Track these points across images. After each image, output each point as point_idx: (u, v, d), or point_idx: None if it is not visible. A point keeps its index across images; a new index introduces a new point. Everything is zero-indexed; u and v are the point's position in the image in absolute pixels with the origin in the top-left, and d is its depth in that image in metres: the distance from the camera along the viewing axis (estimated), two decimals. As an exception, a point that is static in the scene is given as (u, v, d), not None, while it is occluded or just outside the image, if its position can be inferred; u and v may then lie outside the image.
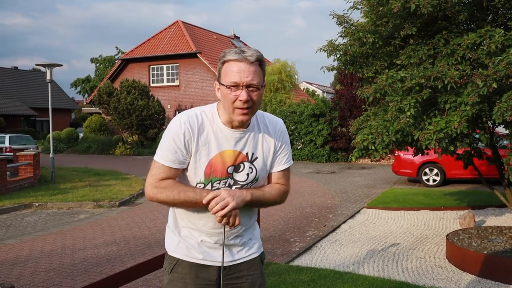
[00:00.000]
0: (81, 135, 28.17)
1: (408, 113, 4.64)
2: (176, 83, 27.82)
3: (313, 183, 13.25)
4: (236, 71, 1.91)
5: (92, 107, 29.55)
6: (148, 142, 24.79)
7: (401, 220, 8.33)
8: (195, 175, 2.02)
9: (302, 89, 36.95)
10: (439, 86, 4.43)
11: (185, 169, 2.03)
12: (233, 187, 2.04)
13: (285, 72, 22.66)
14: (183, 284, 2.08)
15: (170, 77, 28.10)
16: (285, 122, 19.29)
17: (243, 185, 2.06)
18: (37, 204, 10.19)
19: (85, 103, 39.27)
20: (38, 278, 5.33)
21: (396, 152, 12.51)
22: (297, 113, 19.36)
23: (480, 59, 4.55)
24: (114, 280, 2.91)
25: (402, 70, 5.15)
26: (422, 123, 4.89)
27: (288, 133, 17.81)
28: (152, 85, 28.13)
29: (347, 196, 11.00)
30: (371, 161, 18.94)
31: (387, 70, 5.08)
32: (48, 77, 13.38)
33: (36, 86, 40.60)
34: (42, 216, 9.22)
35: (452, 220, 8.18)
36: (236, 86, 1.92)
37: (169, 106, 27.60)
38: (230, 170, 2.03)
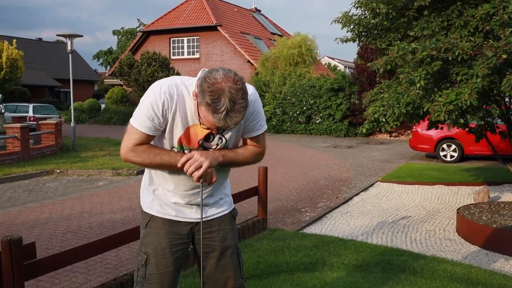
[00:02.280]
0: (103, 106, 28.57)
1: (419, 85, 4.63)
2: (197, 55, 27.83)
3: (329, 157, 13.29)
4: (214, 122, 1.94)
5: (113, 78, 29.83)
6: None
7: (415, 194, 8.35)
8: (170, 141, 2.13)
9: (323, 64, 36.59)
10: (450, 58, 4.40)
11: (161, 133, 2.12)
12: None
13: (305, 46, 22.45)
14: (157, 237, 2.23)
15: (191, 49, 28.11)
16: (303, 97, 19.25)
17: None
18: (58, 171, 10.49)
19: (107, 74, 39.67)
20: (56, 239, 5.56)
21: (414, 128, 12.42)
22: (316, 87, 19.25)
23: (494, 30, 4.48)
24: (120, 237, 3.07)
25: (415, 42, 5.11)
26: (433, 96, 4.87)
27: (307, 107, 17.56)
28: (172, 57, 28.19)
29: (362, 170, 11.02)
30: (390, 136, 18.83)
31: (398, 42, 5.04)
32: (69, 47, 13.57)
33: (60, 57, 41.12)
34: (63, 182, 9.52)
35: (466, 195, 8.17)
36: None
37: (189, 79, 27.68)
38: (201, 142, 2.13)
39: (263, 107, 19.37)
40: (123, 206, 7.36)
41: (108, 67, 51.06)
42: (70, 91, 14.38)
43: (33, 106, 20.04)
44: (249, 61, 25.59)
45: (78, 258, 3.04)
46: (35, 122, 15.48)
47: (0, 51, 27.30)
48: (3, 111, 14.23)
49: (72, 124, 14.16)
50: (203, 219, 2.26)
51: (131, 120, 2.08)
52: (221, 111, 1.87)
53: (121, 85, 28.23)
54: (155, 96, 2.03)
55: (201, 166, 2.02)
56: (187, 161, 2.03)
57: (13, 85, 29.50)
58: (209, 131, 2.06)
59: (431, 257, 4.21)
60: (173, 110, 2.05)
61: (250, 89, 2.14)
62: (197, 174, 2.02)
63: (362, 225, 6.37)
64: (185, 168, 2.04)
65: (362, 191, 8.65)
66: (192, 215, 2.26)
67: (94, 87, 44.76)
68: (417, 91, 4.72)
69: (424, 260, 4.03)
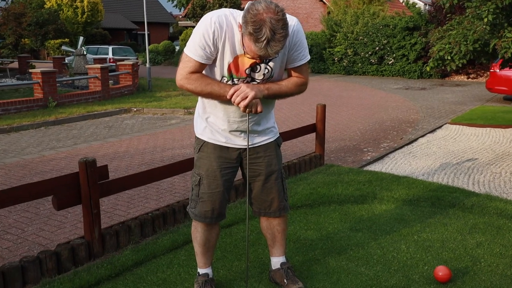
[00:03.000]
0: (177, 48, 29.28)
1: (486, 20, 4.44)
2: (268, -5, 27.40)
3: (399, 99, 12.98)
4: (256, 51, 2.07)
5: (187, 20, 30.26)
6: (239, 55, 25.25)
7: (485, 137, 8.08)
8: (220, 70, 2.30)
9: (401, 1, 34.64)
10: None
11: (213, 63, 2.30)
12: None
13: (380, -18, 21.38)
14: (209, 161, 2.49)
15: (262, -11, 27.68)
16: (376, 36, 18.59)
17: (259, 82, 2.32)
18: (135, 109, 11.19)
19: (181, 16, 40.23)
20: (132, 170, 6.09)
21: (492, 68, 11.74)
22: (390, 27, 18.46)
23: None
24: (183, 164, 3.39)
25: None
26: (502, 31, 4.66)
27: (380, 47, 17.06)
28: (244, -3, 27.97)
29: (432, 112, 10.73)
30: (467, 78, 17.89)
31: (467, -25, 4.81)
32: (143, -11, 13.96)
33: (137, 0, 42.08)
34: (139, 120, 10.17)
35: (542, 139, 7.80)
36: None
37: (260, 19, 27.50)
38: (247, 71, 2.29)
39: (334, 48, 18.91)
40: (192, 142, 7.82)
41: (182, 9, 51.60)
42: (147, 34, 14.92)
43: (112, 48, 21.02)
44: (321, 0, 24.85)
45: (145, 181, 3.43)
46: (114, 64, 16.34)
47: (81, -5, 28.48)
48: (85, 53, 15.14)
49: (147, 65, 14.80)
50: (250, 146, 2.48)
51: (185, 49, 2.27)
52: (262, 40, 2.01)
53: (193, 27, 28.65)
54: (206, 26, 2.19)
55: (247, 97, 2.20)
56: (235, 92, 2.22)
57: (94, 28, 30.84)
58: (254, 60, 2.21)
59: (485, 195, 4.20)
60: (223, 39, 2.21)
61: (293, 20, 2.26)
62: (243, 103, 2.21)
63: (424, 165, 6.33)
64: (232, 99, 2.23)
65: (429, 132, 8.49)
66: (240, 142, 2.48)
67: (169, 29, 45.66)
68: (484, 26, 4.53)
69: (477, 197, 4.05)
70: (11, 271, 2.67)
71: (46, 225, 4.19)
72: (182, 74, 2.28)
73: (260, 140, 2.53)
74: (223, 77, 2.32)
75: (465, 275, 2.79)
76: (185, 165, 3.52)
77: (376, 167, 6.21)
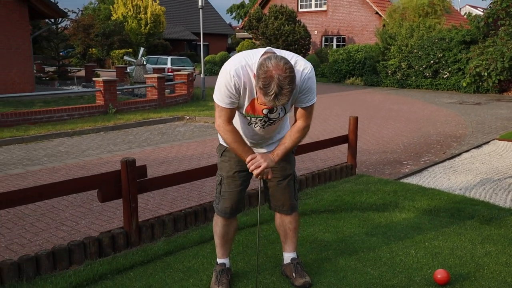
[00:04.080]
0: (233, 59, 30.03)
1: (517, 38, 4.52)
2: (324, 8, 27.64)
3: (450, 113, 12.82)
4: (265, 102, 2.41)
5: (244, 32, 31.05)
6: (293, 67, 25.59)
7: (533, 155, 7.92)
8: (242, 109, 2.67)
9: (463, 14, 33.75)
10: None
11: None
12: (266, 124, 2.71)
13: (437, -5, 21.06)
14: (229, 164, 2.87)
15: (318, 1, 27.97)
16: (431, 50, 18.40)
17: (274, 121, 2.71)
18: (187, 117, 11.79)
19: (238, 28, 41.20)
20: (177, 173, 6.57)
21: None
22: (446, 40, 18.16)
23: None
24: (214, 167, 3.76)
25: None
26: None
27: (435, 60, 16.87)
28: (300, 10, 28.36)
29: (482, 127, 10.56)
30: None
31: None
32: (199, 3, 14.68)
33: (198, 12, 43.51)
34: (190, 128, 10.73)
35: None
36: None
37: (315, 32, 27.75)
38: (265, 111, 2.64)
39: (388, 60, 18.88)
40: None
41: (240, 20, 52.77)
42: (205, 44, 15.61)
43: (171, 58, 21.99)
44: (377, 13, 24.80)
45: (178, 181, 3.83)
46: (172, 73, 17.16)
47: (145, 7, 29.96)
48: (145, 63, 16.04)
49: (201, 76, 15.47)
50: (265, 151, 2.83)
51: (215, 99, 2.64)
52: (271, 94, 2.34)
53: (250, 38, 29.34)
54: (227, 79, 2.53)
55: (260, 166, 2.61)
56: (251, 160, 2.63)
57: (156, 39, 32.30)
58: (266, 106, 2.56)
59: (507, 209, 4.27)
60: (242, 87, 2.56)
61: (307, 68, 2.59)
62: (256, 172, 2.63)
63: (464, 180, 6.30)
64: (248, 165, 2.65)
65: (474, 148, 8.41)
66: (258, 150, 2.84)
67: (227, 41, 46.85)
68: (516, 44, 4.61)
69: (498, 211, 4.13)
70: (60, 252, 3.14)
71: (97, 220, 4.68)
72: (221, 122, 2.66)
73: (272, 148, 2.86)
74: (244, 115, 2.71)
75: (465, 279, 2.96)
76: (213, 169, 3.89)
77: (413, 180, 6.25)
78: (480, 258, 3.26)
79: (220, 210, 2.92)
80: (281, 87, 2.32)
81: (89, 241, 3.29)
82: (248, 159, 2.65)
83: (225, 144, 2.87)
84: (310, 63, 2.62)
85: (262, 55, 2.50)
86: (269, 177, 2.70)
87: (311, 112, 2.73)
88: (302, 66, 2.56)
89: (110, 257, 3.33)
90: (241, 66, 2.53)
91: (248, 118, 2.71)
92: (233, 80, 2.52)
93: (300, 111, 2.70)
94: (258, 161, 2.62)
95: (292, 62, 2.49)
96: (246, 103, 2.62)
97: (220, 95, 2.58)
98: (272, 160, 2.66)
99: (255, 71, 2.46)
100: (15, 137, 8.84)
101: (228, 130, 2.65)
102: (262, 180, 2.83)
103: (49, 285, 2.90)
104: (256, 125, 2.74)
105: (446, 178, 6.46)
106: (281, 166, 2.86)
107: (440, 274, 2.86)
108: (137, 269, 3.15)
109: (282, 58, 2.37)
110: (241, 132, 2.77)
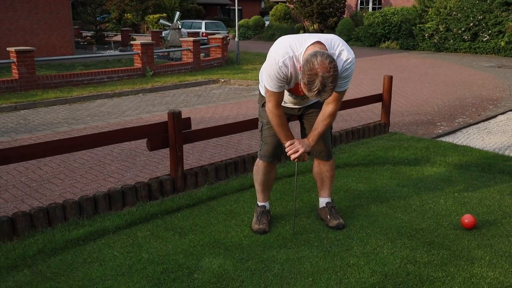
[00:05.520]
0: (267, 23, 29.87)
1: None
2: (361, -31, 26.93)
3: (488, 77, 12.58)
4: (309, 96, 2.57)
5: (278, -4, 30.70)
6: (327, 30, 25.28)
7: None
8: (287, 87, 2.85)
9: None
10: None
11: None
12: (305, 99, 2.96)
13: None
14: None
15: (354, -37, 27.24)
16: (471, 12, 17.87)
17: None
18: (222, 80, 12.00)
19: (272, -8, 40.60)
20: (215, 131, 6.83)
21: None
22: (487, 1, 17.55)
23: None
24: (250, 122, 3.98)
25: None
26: None
27: (474, 23, 16.44)
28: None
29: (521, 90, 10.38)
30: None
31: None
32: (234, -34, 14.60)
33: (230, -24, 43.14)
34: (225, 90, 10.96)
35: None
36: None
37: (351, -6, 27.15)
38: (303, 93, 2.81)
39: (425, 23, 18.48)
40: (271, 110, 8.40)
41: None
42: (239, 9, 15.62)
43: (205, 22, 22.11)
44: (416, -27, 23.99)
45: (220, 133, 4.08)
46: (207, 38, 17.30)
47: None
48: (180, 27, 16.20)
49: (236, 39, 15.56)
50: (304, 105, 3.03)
51: (266, 86, 2.82)
52: (314, 90, 2.50)
53: (284, 2, 28.99)
54: (275, 69, 2.69)
55: (297, 151, 2.85)
56: (290, 145, 2.87)
57: (190, 3, 32.30)
58: None
59: (539, 164, 4.36)
60: (289, 75, 2.73)
61: (350, 58, 2.73)
62: (293, 156, 2.87)
63: (498, 141, 6.34)
64: (286, 150, 2.89)
65: (511, 110, 8.35)
66: (298, 105, 3.04)
67: (261, 5, 46.35)
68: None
69: (529, 166, 4.24)
70: (114, 194, 3.46)
71: (141, 173, 5.00)
72: (269, 105, 2.86)
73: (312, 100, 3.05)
74: (288, 93, 2.93)
75: (491, 225, 3.13)
76: (252, 123, 4.12)
77: (446, 140, 6.36)
78: (508, 207, 3.41)
79: (263, 155, 3.15)
80: (324, 85, 2.46)
81: (140, 185, 3.60)
82: (287, 144, 2.89)
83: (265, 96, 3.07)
84: (353, 54, 2.76)
85: (309, 46, 2.64)
86: (305, 159, 2.95)
87: (342, 97, 2.91)
88: (345, 56, 2.71)
89: (159, 200, 3.64)
90: (289, 57, 2.68)
91: (291, 96, 2.94)
92: (281, 70, 2.68)
93: (333, 95, 2.83)
94: (296, 146, 2.86)
95: (338, 52, 2.68)
96: (291, 86, 2.83)
97: (269, 81, 2.77)
98: (308, 145, 2.89)
99: (301, 63, 2.61)
100: (59, 98, 9.28)
101: (276, 114, 2.86)
102: (297, 162, 3.05)
103: (107, 222, 3.23)
104: (296, 98, 2.97)
105: (480, 138, 6.50)
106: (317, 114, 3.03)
107: (467, 219, 3.03)
108: (183, 211, 3.44)
109: (328, 56, 2.49)
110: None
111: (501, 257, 2.74)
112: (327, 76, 2.44)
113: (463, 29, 18.41)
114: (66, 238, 3.03)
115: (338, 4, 24.99)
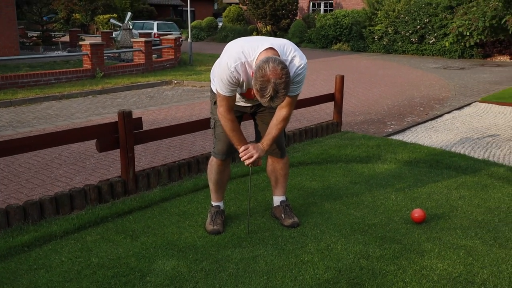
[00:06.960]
0: (220, 24, 29.80)
1: (497, -3, 4.69)
2: (311, -28, 27.36)
3: (434, 78, 13.05)
4: (261, 102, 2.57)
5: (231, -3, 30.69)
6: (280, 32, 25.51)
7: (512, 115, 8.19)
8: (239, 94, 2.88)
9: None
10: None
11: None
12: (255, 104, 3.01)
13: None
14: None
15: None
16: (418, 15, 18.48)
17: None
18: (175, 82, 11.85)
19: (225, -7, 40.54)
20: (168, 132, 6.72)
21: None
22: (433, 5, 18.25)
23: None
24: (203, 122, 3.93)
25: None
26: (514, 8, 4.88)
27: (421, 26, 17.00)
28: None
29: (465, 90, 10.82)
30: (511, 58, 17.53)
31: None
32: (186, -34, 14.47)
33: (182, -23, 42.73)
34: (178, 91, 10.82)
35: None
36: None
37: (303, -3, 27.53)
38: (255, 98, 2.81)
39: (374, 26, 18.97)
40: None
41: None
42: (192, 10, 15.49)
43: (157, 23, 21.79)
44: (365, -23, 24.62)
45: (172, 133, 4.01)
46: (159, 39, 17.05)
47: (130, -29, 29.28)
48: (131, 27, 15.88)
49: (189, 40, 15.42)
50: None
51: (218, 90, 2.79)
52: (266, 96, 2.51)
53: (237, 4, 29.03)
54: (227, 74, 2.68)
55: (252, 157, 2.83)
56: (244, 150, 2.84)
57: (141, 4, 31.75)
58: None
59: (482, 160, 4.54)
60: (241, 79, 2.72)
61: (302, 64, 2.75)
62: (248, 161, 2.86)
63: (444, 139, 6.55)
64: (240, 155, 2.86)
65: (456, 109, 8.67)
66: (251, 103, 3.02)
67: (214, 6, 46.20)
68: (496, 2, 4.78)
69: (474, 161, 4.40)
70: (62, 198, 3.32)
71: (91, 176, 4.84)
72: (223, 110, 2.83)
73: None
74: (239, 96, 2.93)
75: (440, 218, 3.23)
76: (205, 123, 4.07)
77: (396, 138, 6.53)
78: (455, 201, 3.53)
79: (216, 152, 3.11)
80: (276, 91, 2.48)
81: (89, 188, 3.48)
82: (241, 149, 2.86)
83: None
84: (306, 59, 2.78)
85: (262, 52, 2.63)
86: (259, 164, 2.94)
87: (295, 101, 2.93)
88: (298, 62, 2.72)
89: (109, 203, 3.53)
90: (241, 63, 2.67)
91: (243, 99, 2.95)
92: (233, 75, 2.68)
93: (286, 99, 2.83)
94: (250, 151, 2.84)
95: (290, 57, 2.69)
96: (243, 91, 2.83)
97: (221, 85, 2.75)
98: (262, 150, 2.88)
99: (254, 69, 2.60)
100: (3, 100, 8.87)
101: (228, 119, 2.84)
102: (251, 167, 3.03)
103: (54, 227, 3.09)
104: (248, 101, 2.99)
105: (427, 136, 6.72)
106: (272, 112, 3.02)
107: (417, 213, 3.11)
108: (135, 213, 3.35)
109: (280, 62, 2.50)
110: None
111: (449, 249, 2.83)
112: (279, 82, 2.45)
113: (410, 31, 19.04)
114: (9, 245, 2.88)
115: (290, 6, 25.27)
